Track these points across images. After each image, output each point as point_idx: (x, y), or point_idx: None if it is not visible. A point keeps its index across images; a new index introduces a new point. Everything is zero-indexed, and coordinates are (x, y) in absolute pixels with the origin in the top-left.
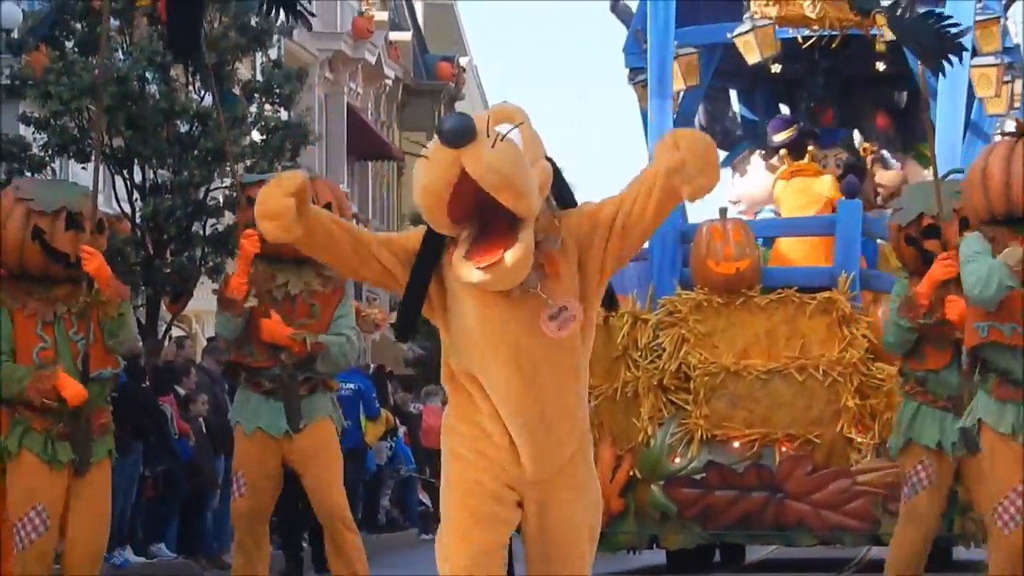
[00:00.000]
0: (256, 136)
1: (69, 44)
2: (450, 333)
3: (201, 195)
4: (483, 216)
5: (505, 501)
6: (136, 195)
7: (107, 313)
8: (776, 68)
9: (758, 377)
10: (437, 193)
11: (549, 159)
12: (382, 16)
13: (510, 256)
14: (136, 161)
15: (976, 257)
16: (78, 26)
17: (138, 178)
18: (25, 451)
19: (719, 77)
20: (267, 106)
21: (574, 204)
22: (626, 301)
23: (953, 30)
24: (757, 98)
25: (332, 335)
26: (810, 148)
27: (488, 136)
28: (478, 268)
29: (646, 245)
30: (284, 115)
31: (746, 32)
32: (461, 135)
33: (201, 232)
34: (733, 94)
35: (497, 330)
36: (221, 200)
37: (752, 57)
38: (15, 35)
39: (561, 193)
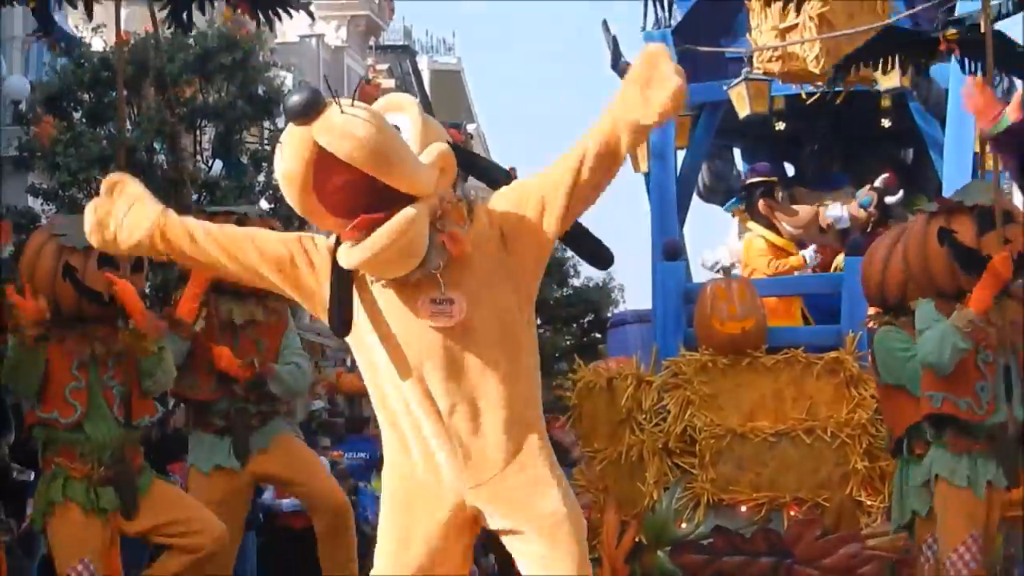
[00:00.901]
0: (264, 204)
1: (77, 115)
2: (371, 360)
3: None
4: (373, 206)
5: (448, 535)
6: (145, 262)
7: (144, 349)
8: (780, 125)
9: (765, 439)
10: (296, 177)
11: (456, 145)
12: (389, 83)
13: (384, 228)
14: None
15: (932, 323)
16: (86, 97)
17: None
18: (69, 502)
19: (722, 135)
20: (274, 174)
21: (499, 181)
22: (629, 363)
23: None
24: (760, 156)
25: (283, 364)
26: (778, 194)
27: (336, 104)
28: (346, 239)
29: (649, 305)
30: None
31: (739, 84)
32: (307, 107)
33: None
34: (737, 152)
35: (405, 325)
36: None
37: (742, 110)
38: (22, 107)
39: (490, 177)
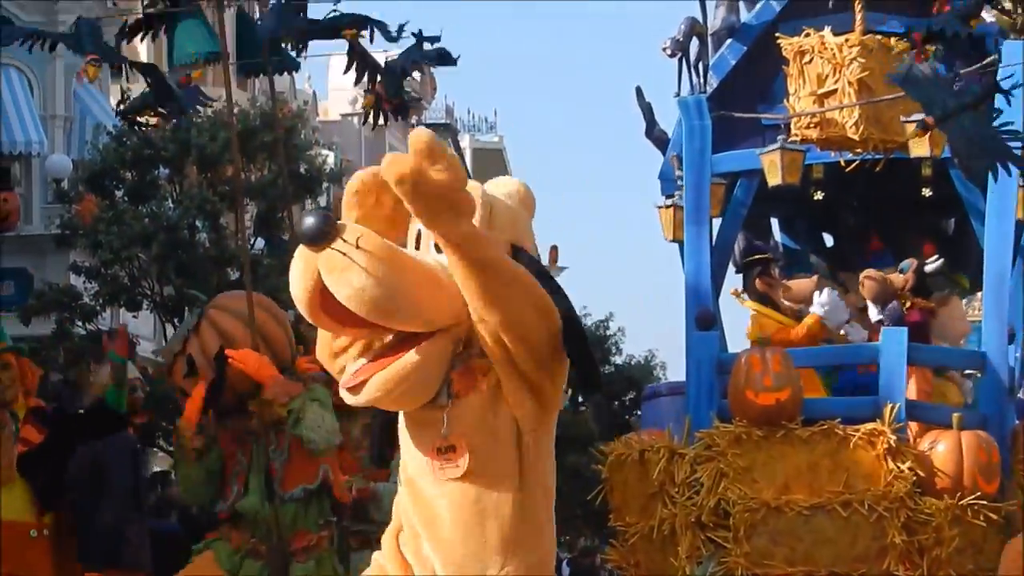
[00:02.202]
0: None
1: (119, 193)
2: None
3: None
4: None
5: None
6: None
7: (277, 413)
8: (818, 195)
9: (800, 513)
10: (303, 300)
11: (520, 250)
12: None
13: (377, 379)
14: (187, 309)
15: None
16: (128, 175)
17: None
18: (209, 553)
19: (758, 204)
20: None
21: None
22: (662, 435)
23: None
24: (798, 226)
25: (389, 483)
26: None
27: (346, 236)
28: (343, 387)
29: (682, 376)
30: None
31: (773, 151)
32: (315, 236)
33: None
34: (774, 221)
35: (405, 446)
36: None
37: (774, 179)
38: (64, 185)
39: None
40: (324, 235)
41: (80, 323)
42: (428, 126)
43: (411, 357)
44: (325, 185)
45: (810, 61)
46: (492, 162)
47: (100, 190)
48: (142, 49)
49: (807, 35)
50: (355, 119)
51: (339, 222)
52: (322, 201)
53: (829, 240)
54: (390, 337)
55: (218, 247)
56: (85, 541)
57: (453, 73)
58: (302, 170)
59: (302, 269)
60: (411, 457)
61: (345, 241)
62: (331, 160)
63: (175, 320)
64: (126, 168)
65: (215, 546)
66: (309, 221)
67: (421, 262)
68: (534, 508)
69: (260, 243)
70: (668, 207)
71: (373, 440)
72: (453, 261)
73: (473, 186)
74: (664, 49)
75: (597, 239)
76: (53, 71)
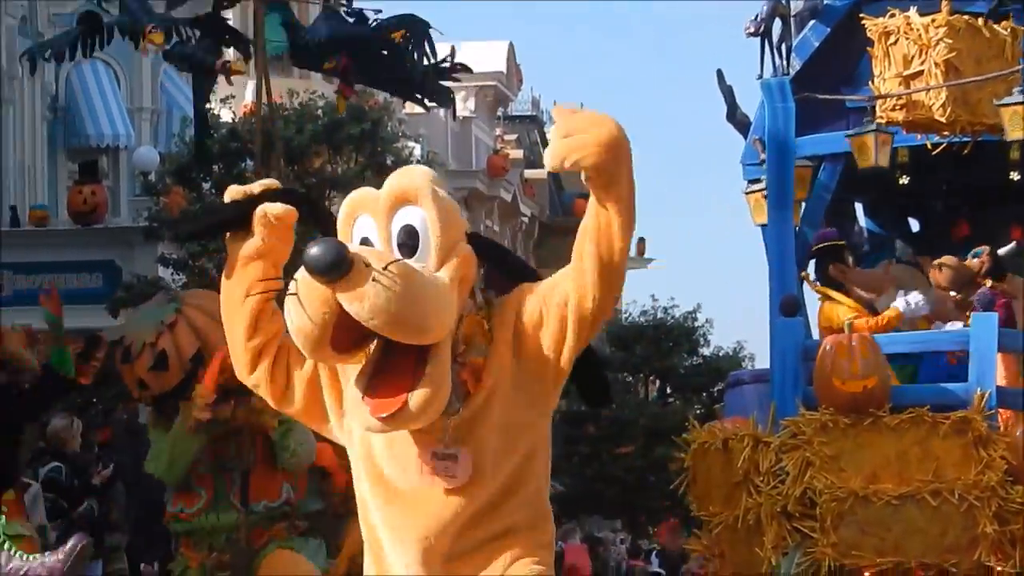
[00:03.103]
0: None
1: (206, 185)
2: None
3: None
4: (381, 340)
5: None
6: None
7: (268, 423)
8: (904, 180)
9: (889, 502)
10: (313, 337)
11: (477, 236)
12: (517, 154)
13: (415, 400)
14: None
15: None
16: (215, 167)
17: None
18: None
19: (843, 189)
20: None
21: (526, 278)
22: (746, 423)
23: None
24: (884, 211)
25: None
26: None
27: (366, 266)
28: (377, 418)
29: (767, 364)
30: None
31: (864, 133)
32: (330, 268)
33: None
34: (859, 206)
35: (387, 455)
36: None
37: (865, 161)
38: (152, 177)
39: (508, 270)
40: (344, 266)
41: None
42: (514, 118)
43: (438, 367)
44: None
45: (895, 42)
46: None
47: (187, 182)
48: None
49: (892, 15)
50: (441, 111)
51: (352, 249)
52: None
53: (916, 225)
54: (370, 348)
55: (304, 239)
56: None
57: (539, 65)
58: (388, 162)
59: (315, 305)
60: (394, 461)
61: (369, 267)
62: (417, 152)
63: None
64: (213, 161)
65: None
66: (323, 252)
67: (427, 275)
68: (541, 494)
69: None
70: (755, 192)
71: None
72: (612, 227)
73: (421, 178)
74: (746, 30)
75: (685, 229)
76: (140, 64)
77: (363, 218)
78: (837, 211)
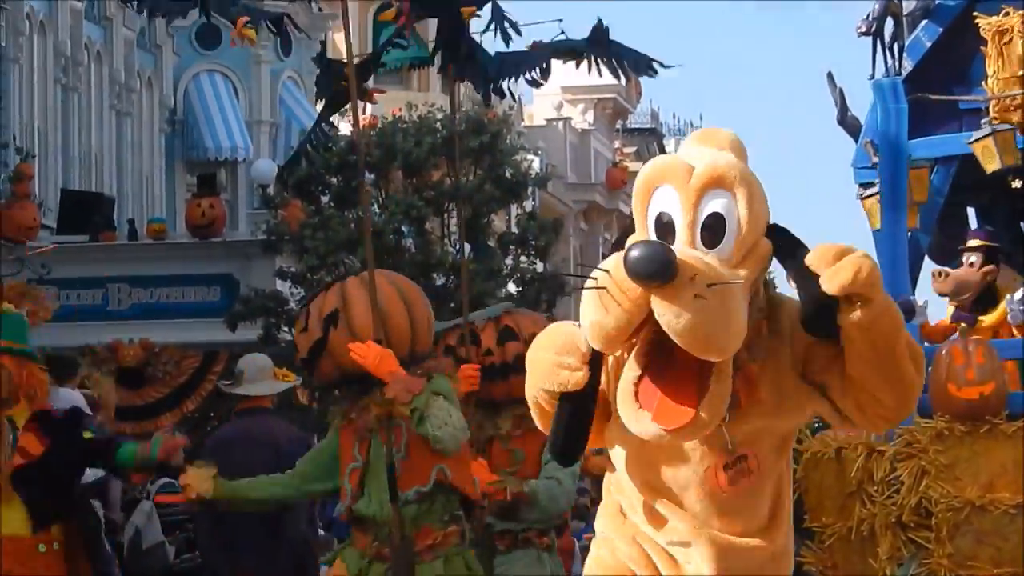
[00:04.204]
0: (512, 288)
1: (325, 199)
2: (607, 439)
3: None
4: (661, 337)
5: None
6: None
7: (400, 412)
8: (1017, 183)
9: (1006, 512)
10: (610, 337)
11: (772, 226)
12: (636, 166)
13: (706, 412)
14: None
15: None
16: (333, 180)
17: None
18: (339, 562)
19: (955, 192)
20: (522, 258)
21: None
22: (860, 432)
23: None
24: (997, 216)
25: (541, 479)
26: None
27: (692, 280)
28: (661, 429)
29: None
30: (539, 266)
31: (985, 137)
32: (656, 274)
33: None
34: (971, 211)
35: (658, 459)
36: None
37: (991, 165)
38: (271, 190)
39: (786, 256)
40: (668, 271)
41: (286, 329)
42: (634, 131)
43: (724, 379)
44: (530, 190)
45: (1010, 41)
46: None
47: (306, 196)
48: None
49: (1006, 14)
50: (560, 124)
51: (679, 257)
52: (527, 205)
53: None
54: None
55: (424, 252)
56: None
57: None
58: (507, 175)
59: (628, 306)
60: (671, 478)
61: (693, 281)
62: (536, 165)
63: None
64: (331, 173)
65: (343, 553)
66: (647, 252)
67: (737, 292)
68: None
69: (466, 249)
70: (871, 196)
71: (560, 435)
72: (865, 337)
73: (737, 161)
74: (858, 29)
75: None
76: (259, 77)
77: (665, 190)
78: (949, 216)
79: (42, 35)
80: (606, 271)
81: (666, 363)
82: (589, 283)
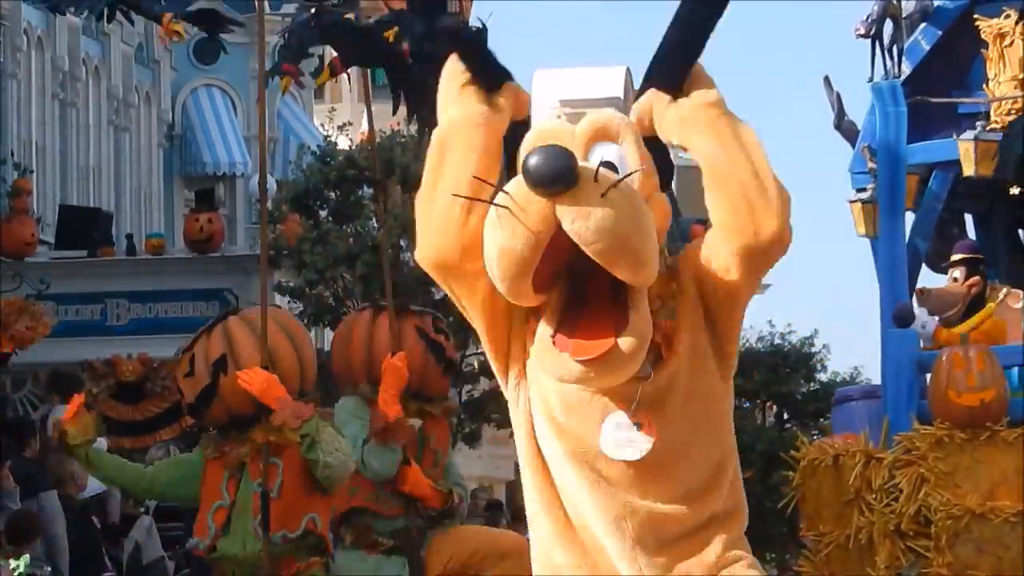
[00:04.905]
0: None
1: (323, 213)
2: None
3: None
4: (573, 278)
5: None
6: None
7: (289, 438)
8: (1015, 190)
9: (1007, 520)
10: (522, 258)
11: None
12: None
13: (626, 343)
14: None
15: None
16: (332, 195)
17: None
18: None
19: (954, 198)
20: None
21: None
22: (858, 439)
23: None
24: (995, 222)
25: (453, 484)
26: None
27: (596, 180)
28: (578, 361)
29: (877, 380)
30: None
31: (967, 140)
32: (557, 178)
33: (457, 398)
34: (968, 217)
35: (576, 425)
36: (476, 366)
37: (968, 169)
38: (269, 205)
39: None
40: (569, 175)
41: None
42: None
43: (642, 311)
44: None
45: (1011, 44)
46: (695, 181)
47: (304, 210)
48: None
49: (1007, 16)
50: None
51: (579, 162)
52: None
53: None
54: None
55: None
56: None
57: None
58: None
59: (534, 220)
60: (571, 437)
61: (597, 182)
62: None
63: None
64: (330, 188)
65: None
66: (548, 160)
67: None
68: (738, 479)
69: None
70: (860, 201)
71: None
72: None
73: (622, 117)
74: (856, 31)
75: (802, 252)
76: (256, 91)
77: None
78: (947, 221)
79: (40, 50)
80: (507, 192)
81: (580, 311)
82: (497, 204)
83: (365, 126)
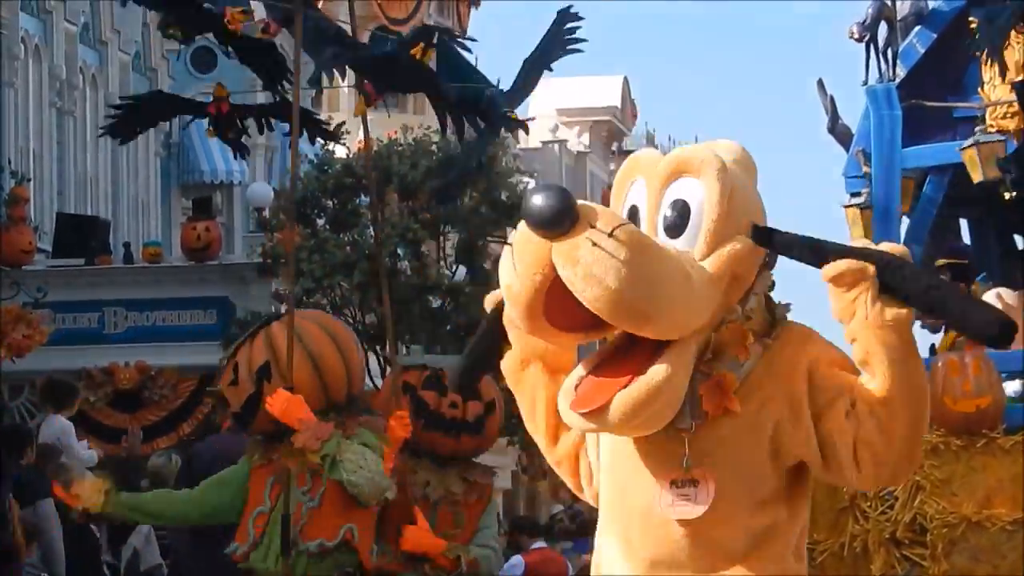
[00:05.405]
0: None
1: (321, 221)
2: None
3: None
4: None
5: None
6: (387, 367)
7: (310, 461)
8: (1009, 195)
9: (1003, 528)
10: (522, 300)
11: (764, 231)
12: None
13: (620, 400)
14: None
15: None
16: (329, 203)
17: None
18: None
19: (949, 203)
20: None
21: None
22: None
23: None
24: (989, 228)
25: (478, 547)
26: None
27: (599, 222)
28: (575, 412)
29: None
30: None
31: (971, 146)
32: (550, 221)
33: None
34: (963, 223)
35: (622, 477)
36: None
37: (976, 175)
38: (266, 213)
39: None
40: (564, 218)
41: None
42: (629, 153)
43: (660, 371)
44: None
45: (1007, 47)
46: None
47: (302, 219)
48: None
49: None
50: (556, 146)
51: (581, 203)
52: None
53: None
54: (611, 336)
55: (420, 275)
56: None
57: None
58: (503, 197)
59: (529, 261)
60: (633, 488)
61: (593, 227)
62: (532, 187)
63: (377, 348)
64: (327, 196)
65: None
66: (545, 200)
67: (674, 256)
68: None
69: (462, 272)
70: (854, 206)
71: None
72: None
73: (710, 151)
74: (851, 34)
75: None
76: (254, 100)
77: (638, 183)
78: (941, 227)
79: (37, 59)
80: (518, 231)
81: (623, 353)
82: (507, 243)
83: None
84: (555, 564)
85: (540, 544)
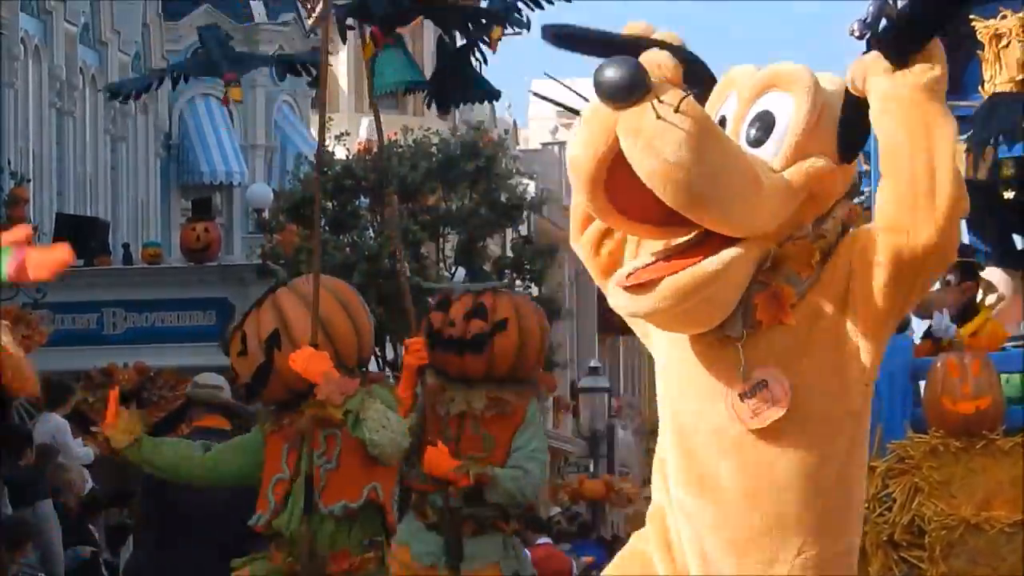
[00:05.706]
0: None
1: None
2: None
3: None
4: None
5: None
6: (388, 372)
7: (332, 415)
8: (1009, 193)
9: (1003, 531)
10: (584, 170)
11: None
12: None
13: (671, 281)
14: (388, 338)
15: None
16: (329, 204)
17: (390, 355)
18: (246, 569)
19: None
20: (518, 282)
21: None
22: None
23: None
24: (989, 227)
25: (508, 468)
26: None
27: (667, 96)
28: (618, 286)
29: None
30: (535, 291)
31: (962, 140)
32: (624, 89)
33: None
34: (963, 222)
35: (677, 389)
36: None
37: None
38: (266, 214)
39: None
40: (634, 88)
41: None
42: None
43: (713, 262)
44: (526, 214)
45: (1007, 45)
46: None
47: (301, 220)
48: (341, 75)
49: (1004, 17)
50: (556, 147)
51: (655, 77)
52: (523, 230)
53: (1021, 242)
54: (681, 240)
55: (419, 276)
56: None
57: None
58: (503, 199)
59: (594, 130)
60: (686, 410)
61: (661, 101)
62: (531, 189)
63: (377, 348)
64: (327, 198)
65: (253, 565)
66: (614, 70)
67: (744, 151)
68: (850, 481)
69: (461, 273)
70: (854, 205)
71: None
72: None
73: (799, 70)
74: (852, 32)
75: None
76: (254, 101)
77: (731, 96)
78: None
79: (37, 59)
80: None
81: (692, 245)
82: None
83: (362, 135)
84: (560, 560)
85: (545, 540)
